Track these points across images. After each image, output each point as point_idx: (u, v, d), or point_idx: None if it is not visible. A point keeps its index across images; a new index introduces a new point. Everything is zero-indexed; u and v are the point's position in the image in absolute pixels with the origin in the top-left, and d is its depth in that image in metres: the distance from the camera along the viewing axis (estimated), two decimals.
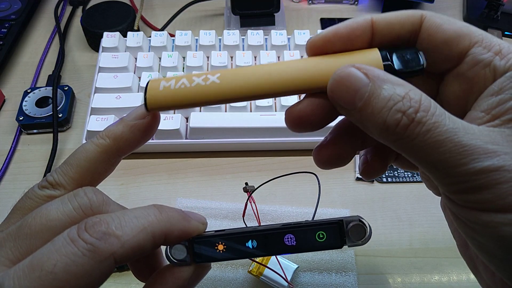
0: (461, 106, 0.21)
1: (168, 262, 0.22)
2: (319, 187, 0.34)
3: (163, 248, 0.22)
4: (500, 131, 0.18)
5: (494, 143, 0.18)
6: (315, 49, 0.21)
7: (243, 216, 0.35)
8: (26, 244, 0.19)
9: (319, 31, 0.22)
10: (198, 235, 0.22)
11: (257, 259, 0.35)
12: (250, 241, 0.21)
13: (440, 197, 0.24)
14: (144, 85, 0.20)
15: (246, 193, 0.37)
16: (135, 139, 0.23)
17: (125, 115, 0.23)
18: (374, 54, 0.20)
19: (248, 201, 0.35)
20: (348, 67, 0.19)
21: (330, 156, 0.23)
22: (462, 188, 0.18)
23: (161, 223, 0.20)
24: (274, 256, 0.35)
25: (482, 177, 0.17)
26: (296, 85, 0.20)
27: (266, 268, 0.35)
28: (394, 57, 0.20)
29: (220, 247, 0.21)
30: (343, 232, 0.21)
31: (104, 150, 0.22)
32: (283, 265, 0.35)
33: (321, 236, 0.21)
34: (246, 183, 0.38)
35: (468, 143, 0.17)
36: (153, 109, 0.21)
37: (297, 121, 0.22)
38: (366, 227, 0.21)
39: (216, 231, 0.22)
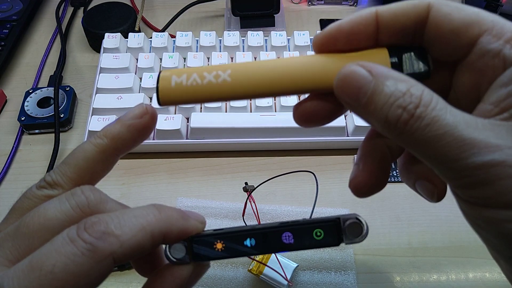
0: (474, 98, 0.21)
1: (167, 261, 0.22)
2: (317, 186, 0.35)
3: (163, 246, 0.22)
4: (508, 125, 0.18)
5: (498, 137, 0.17)
6: (321, 46, 0.21)
7: (243, 215, 0.35)
8: (25, 244, 0.19)
9: (318, 31, 0.22)
10: (197, 234, 0.22)
11: (257, 258, 0.35)
12: (248, 240, 0.22)
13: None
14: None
15: (246, 193, 0.37)
16: (132, 138, 0.23)
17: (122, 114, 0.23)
18: (383, 55, 0.21)
19: (248, 201, 0.35)
20: (353, 65, 0.19)
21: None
22: (464, 183, 0.18)
23: (160, 222, 0.20)
24: (274, 255, 0.35)
25: (483, 172, 0.17)
26: (306, 85, 0.21)
27: (266, 267, 0.35)
28: (404, 59, 0.21)
29: (219, 246, 0.22)
30: (340, 230, 0.21)
31: (101, 150, 0.22)
32: (283, 264, 0.35)
33: (318, 234, 0.21)
34: (246, 183, 0.38)
35: (469, 137, 0.17)
36: (165, 104, 0.21)
37: (305, 117, 0.22)
38: (363, 225, 0.21)
39: (214, 230, 0.22)
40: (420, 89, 0.18)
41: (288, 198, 0.43)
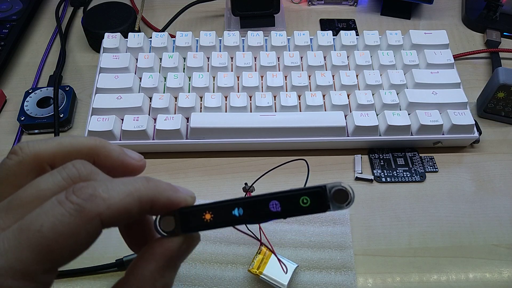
0: None
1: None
2: (308, 171, 0.38)
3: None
4: None
5: None
6: None
7: None
8: (17, 214, 0.19)
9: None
10: (186, 206, 0.22)
11: (258, 258, 0.35)
12: (236, 209, 0.22)
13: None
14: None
15: (246, 193, 0.37)
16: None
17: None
18: None
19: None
20: None
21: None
22: None
23: (148, 190, 0.20)
24: (274, 255, 0.35)
25: None
26: None
27: (266, 267, 0.35)
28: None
29: (207, 216, 0.22)
30: (326, 197, 0.22)
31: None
32: (283, 266, 0.35)
33: (304, 201, 0.22)
34: (246, 183, 0.38)
35: None
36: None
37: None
38: (349, 191, 0.22)
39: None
40: None
41: None
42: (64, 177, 0.20)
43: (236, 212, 0.22)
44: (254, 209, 0.22)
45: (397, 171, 0.45)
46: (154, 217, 0.22)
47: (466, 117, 0.45)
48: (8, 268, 0.17)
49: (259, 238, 0.36)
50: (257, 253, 0.36)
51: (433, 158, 0.46)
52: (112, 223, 0.19)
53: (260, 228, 0.36)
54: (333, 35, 0.53)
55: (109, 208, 0.19)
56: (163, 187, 0.21)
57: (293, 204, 0.22)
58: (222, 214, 0.22)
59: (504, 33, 0.58)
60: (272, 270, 0.35)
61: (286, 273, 0.35)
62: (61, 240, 0.18)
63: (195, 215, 0.22)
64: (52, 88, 0.49)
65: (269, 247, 0.36)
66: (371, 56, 0.51)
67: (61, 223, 0.18)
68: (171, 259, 0.22)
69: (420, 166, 0.45)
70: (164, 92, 0.48)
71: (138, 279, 0.21)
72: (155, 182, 0.21)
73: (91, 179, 0.21)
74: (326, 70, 0.50)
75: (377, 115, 0.46)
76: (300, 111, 0.47)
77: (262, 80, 0.49)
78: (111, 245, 0.38)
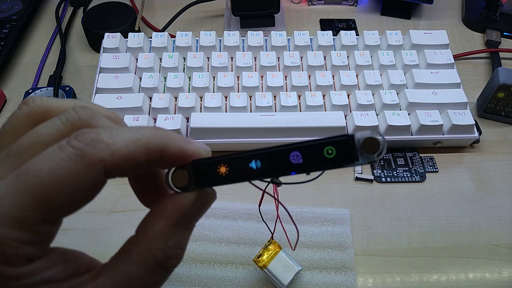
0: None
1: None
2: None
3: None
4: None
5: None
6: None
7: (259, 204, 0.34)
8: (17, 160, 0.18)
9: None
10: (199, 158, 0.20)
11: (267, 252, 0.35)
12: (253, 162, 0.20)
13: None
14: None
15: (273, 185, 0.36)
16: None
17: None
18: None
19: (274, 193, 0.35)
20: None
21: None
22: None
23: (156, 138, 0.19)
24: (282, 252, 0.35)
25: None
26: None
27: (271, 262, 0.35)
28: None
29: (222, 169, 0.20)
30: (354, 147, 0.19)
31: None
32: (288, 264, 0.35)
33: (330, 151, 0.19)
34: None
35: None
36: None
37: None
38: (380, 140, 0.19)
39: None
40: None
41: (287, 198, 0.43)
42: (63, 122, 0.19)
43: (253, 164, 0.20)
44: (273, 161, 0.20)
45: (397, 171, 0.45)
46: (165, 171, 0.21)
47: (466, 117, 0.45)
48: (3, 214, 0.16)
49: (272, 232, 0.36)
50: (266, 245, 0.36)
51: (433, 158, 0.46)
52: (117, 171, 0.18)
53: (278, 217, 0.35)
54: (333, 35, 0.53)
55: (113, 154, 0.17)
56: (174, 137, 0.19)
57: (316, 155, 0.19)
58: (239, 167, 0.20)
59: (504, 33, 0.58)
60: (277, 267, 0.35)
61: (287, 275, 0.35)
62: (59, 185, 0.17)
63: (209, 168, 0.20)
64: (52, 88, 0.49)
65: (293, 232, 0.35)
66: (371, 56, 0.51)
67: (60, 167, 0.17)
68: (184, 216, 0.20)
69: (420, 166, 0.45)
70: (164, 92, 0.48)
71: (149, 237, 0.19)
72: (165, 131, 0.19)
73: (93, 123, 0.19)
74: (326, 70, 0.50)
75: (377, 115, 0.46)
76: (300, 111, 0.47)
77: (262, 80, 0.49)
78: (111, 245, 0.39)
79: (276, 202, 0.34)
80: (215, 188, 0.22)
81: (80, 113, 0.19)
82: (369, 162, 0.20)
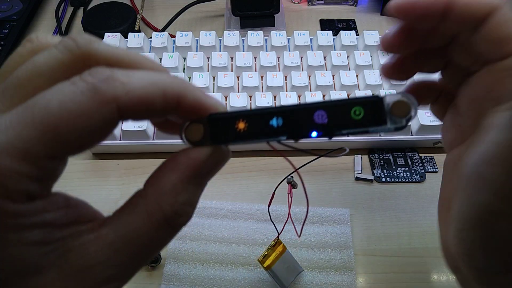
0: (471, 113, 0.23)
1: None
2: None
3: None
4: None
5: None
6: (398, 11, 0.22)
7: (269, 204, 0.34)
8: (17, 93, 0.17)
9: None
10: (216, 112, 0.19)
11: (273, 253, 0.35)
12: (275, 119, 0.19)
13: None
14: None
15: (288, 184, 0.36)
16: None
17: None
18: None
19: (288, 194, 0.35)
20: None
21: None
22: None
23: (174, 84, 0.18)
24: (287, 252, 0.35)
25: None
26: None
27: (276, 264, 0.34)
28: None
29: (241, 125, 0.19)
30: (383, 109, 0.18)
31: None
32: (292, 265, 0.35)
33: (357, 112, 0.18)
34: (292, 177, 0.37)
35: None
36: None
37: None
38: (410, 103, 0.18)
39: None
40: None
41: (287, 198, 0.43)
42: (60, 50, 0.18)
43: (274, 122, 0.19)
44: (296, 119, 0.19)
45: (397, 171, 0.45)
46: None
47: None
48: (6, 144, 0.15)
49: (279, 232, 0.35)
50: (272, 245, 0.35)
51: (433, 158, 0.46)
52: (131, 112, 0.17)
53: (289, 216, 0.35)
54: (333, 35, 0.53)
55: (128, 93, 0.16)
56: (192, 87, 0.19)
57: (343, 115, 0.18)
58: (259, 123, 0.19)
59: None
60: (281, 268, 0.35)
61: (290, 277, 0.35)
62: (69, 119, 0.16)
63: (226, 123, 0.19)
64: None
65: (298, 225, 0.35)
66: (371, 56, 0.51)
67: (71, 100, 0.16)
68: (196, 172, 0.19)
69: (420, 166, 0.45)
70: None
71: (158, 191, 0.18)
72: (183, 80, 0.19)
73: (92, 49, 0.18)
74: (326, 70, 0.50)
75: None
76: None
77: (262, 80, 0.49)
78: None
79: (289, 201, 0.34)
80: (231, 146, 0.20)
81: (77, 39, 0.18)
82: (395, 129, 0.19)
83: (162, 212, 0.18)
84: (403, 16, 0.22)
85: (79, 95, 0.16)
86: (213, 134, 0.19)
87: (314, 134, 0.19)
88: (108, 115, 0.16)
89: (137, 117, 0.18)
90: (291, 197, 0.35)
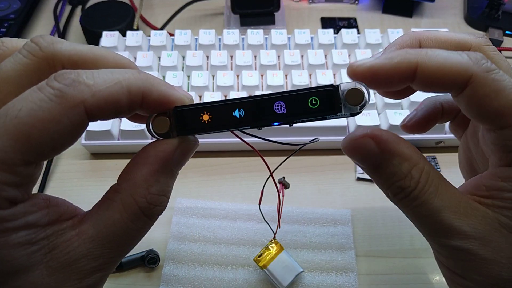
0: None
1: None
2: None
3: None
4: (484, 214, 0.21)
5: (471, 226, 0.20)
6: (358, 76, 0.22)
7: (259, 203, 0.34)
8: None
9: (359, 60, 0.22)
10: (182, 105, 0.20)
11: (268, 252, 0.35)
12: (237, 110, 0.20)
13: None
14: None
15: (279, 184, 0.36)
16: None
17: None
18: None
19: (279, 194, 0.35)
20: (362, 137, 0.21)
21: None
22: (441, 253, 0.23)
23: (138, 80, 0.19)
24: (284, 252, 0.35)
25: (453, 253, 0.21)
26: None
27: (272, 263, 0.34)
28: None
29: (205, 117, 0.20)
30: (338, 98, 0.20)
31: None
32: (289, 265, 0.35)
33: (314, 102, 0.20)
34: (284, 177, 0.37)
35: (447, 222, 0.21)
36: None
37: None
38: (363, 91, 0.20)
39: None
40: (419, 170, 0.21)
41: (288, 198, 0.42)
42: (24, 54, 0.19)
43: (237, 113, 0.20)
44: (257, 110, 0.20)
45: None
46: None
47: None
48: None
49: (274, 232, 0.35)
50: (268, 245, 0.36)
51: (435, 158, 0.45)
52: (98, 113, 0.18)
53: (279, 215, 0.35)
54: (334, 34, 0.53)
55: (94, 95, 0.17)
56: (156, 81, 0.19)
57: (300, 105, 0.20)
58: (222, 115, 0.20)
59: (506, 32, 0.58)
60: (277, 267, 0.35)
61: (289, 275, 0.34)
62: (40, 126, 0.16)
63: (191, 115, 0.20)
64: None
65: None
66: (372, 55, 0.50)
67: (40, 108, 0.17)
68: (165, 163, 0.20)
69: None
70: None
71: (131, 184, 0.20)
72: (147, 75, 0.19)
73: (55, 49, 0.19)
74: (327, 68, 0.50)
75: (378, 114, 0.45)
76: None
77: (262, 79, 0.49)
78: None
79: (280, 201, 0.34)
80: (197, 136, 0.21)
81: (39, 42, 0.19)
82: (351, 114, 0.20)
83: (137, 205, 0.19)
84: (369, 82, 0.21)
85: (47, 102, 0.17)
86: (178, 126, 0.20)
87: (275, 123, 0.20)
88: (77, 118, 0.17)
89: (105, 117, 0.18)
90: (283, 196, 0.35)
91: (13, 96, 0.18)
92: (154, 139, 0.21)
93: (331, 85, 0.20)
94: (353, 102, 0.20)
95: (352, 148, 0.22)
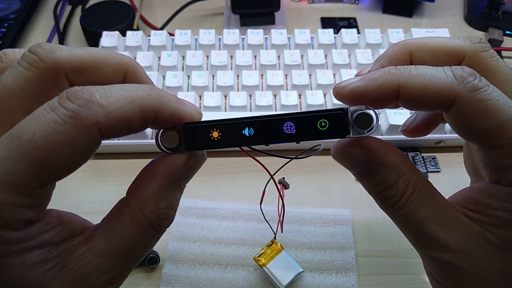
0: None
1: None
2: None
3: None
4: (470, 228, 0.21)
5: (456, 239, 0.21)
6: (343, 99, 0.22)
7: (261, 203, 0.34)
8: None
9: (347, 80, 0.22)
10: (192, 121, 0.20)
11: (268, 251, 0.35)
12: (247, 129, 0.20)
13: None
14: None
15: (279, 184, 0.36)
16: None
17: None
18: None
19: (281, 196, 0.35)
20: (350, 145, 0.21)
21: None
22: (427, 263, 0.23)
23: (150, 98, 0.19)
24: (284, 252, 0.35)
25: (438, 264, 0.21)
26: None
27: (271, 262, 0.35)
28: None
29: (215, 134, 0.20)
30: (347, 121, 0.20)
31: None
32: (289, 264, 0.35)
33: (323, 124, 0.20)
34: (283, 178, 0.37)
35: (432, 234, 0.21)
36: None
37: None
38: (373, 116, 0.20)
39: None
40: (406, 181, 0.21)
41: (288, 199, 0.42)
42: (25, 67, 0.18)
43: (246, 131, 0.20)
44: (267, 130, 0.20)
45: None
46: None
47: None
48: (0, 181, 0.16)
49: (275, 232, 0.36)
50: (268, 245, 0.36)
51: (435, 158, 0.45)
52: (112, 133, 0.18)
53: (279, 221, 0.35)
54: (334, 34, 0.53)
55: (108, 116, 0.17)
56: (167, 97, 0.19)
57: (309, 126, 0.20)
58: (231, 132, 0.20)
59: (506, 32, 0.58)
60: (276, 267, 0.35)
61: (289, 275, 0.34)
62: (56, 150, 0.16)
63: (201, 131, 0.20)
64: None
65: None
66: (372, 55, 0.50)
67: (55, 131, 0.16)
68: (174, 177, 0.20)
69: (422, 166, 0.45)
70: None
71: (140, 199, 0.20)
72: (159, 91, 0.19)
73: (55, 57, 0.19)
74: (327, 68, 0.50)
75: (378, 114, 0.45)
76: (301, 110, 0.46)
77: (262, 79, 0.49)
78: None
79: (280, 200, 0.34)
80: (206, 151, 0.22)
81: (38, 52, 0.19)
82: (358, 137, 0.21)
83: (146, 219, 0.20)
84: (354, 104, 0.21)
85: (62, 124, 0.16)
86: (188, 141, 0.20)
87: (283, 142, 0.21)
88: (92, 139, 0.17)
89: (118, 135, 0.18)
90: (283, 196, 0.35)
91: (20, 112, 0.18)
92: (163, 153, 0.21)
93: (341, 109, 0.20)
94: (362, 126, 0.20)
95: (340, 156, 0.23)
